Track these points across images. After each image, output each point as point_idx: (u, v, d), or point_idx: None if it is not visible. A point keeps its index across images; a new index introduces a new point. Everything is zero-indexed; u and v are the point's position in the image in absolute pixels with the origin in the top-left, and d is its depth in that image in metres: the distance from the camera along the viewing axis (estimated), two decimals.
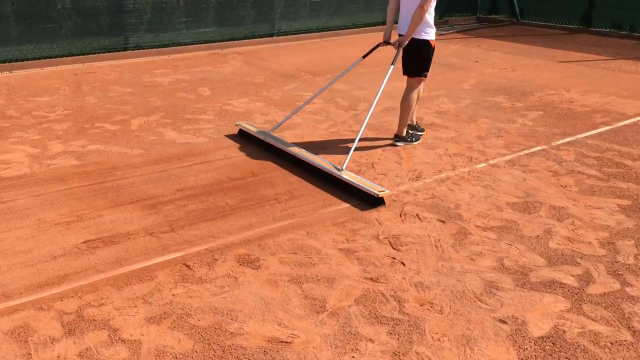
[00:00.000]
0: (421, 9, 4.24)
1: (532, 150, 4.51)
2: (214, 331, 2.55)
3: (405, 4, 4.41)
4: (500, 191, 3.79)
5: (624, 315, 2.66)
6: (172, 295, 2.79)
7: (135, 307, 2.70)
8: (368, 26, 9.96)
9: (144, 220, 3.48)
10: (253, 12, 8.82)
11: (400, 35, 4.47)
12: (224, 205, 3.65)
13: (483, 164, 4.23)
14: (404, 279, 2.92)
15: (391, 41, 4.49)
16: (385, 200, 3.68)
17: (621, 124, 5.15)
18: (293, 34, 9.22)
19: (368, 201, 3.68)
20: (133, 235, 3.31)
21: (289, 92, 6.22)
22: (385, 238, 3.28)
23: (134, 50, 7.94)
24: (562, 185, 3.87)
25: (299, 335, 2.52)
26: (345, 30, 9.67)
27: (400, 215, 3.51)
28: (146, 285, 2.86)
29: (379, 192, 3.65)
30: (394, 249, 3.18)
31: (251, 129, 4.76)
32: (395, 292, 2.82)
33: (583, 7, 9.99)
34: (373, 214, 3.53)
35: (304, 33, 9.31)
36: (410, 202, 3.66)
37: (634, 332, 2.55)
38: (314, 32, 9.41)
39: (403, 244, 3.22)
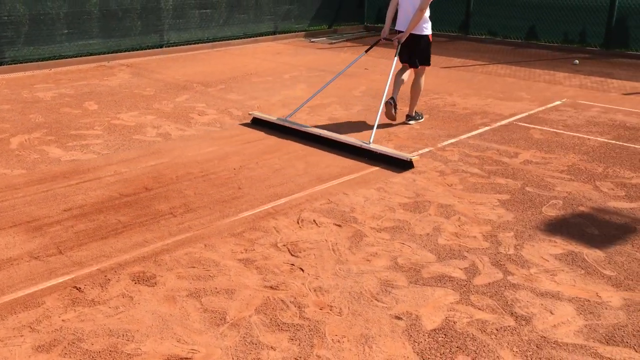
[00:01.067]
0: (421, 11, 5.02)
1: (420, 152, 4.73)
2: (109, 354, 2.45)
3: (404, 6, 5.16)
4: (392, 193, 3.94)
5: (506, 302, 2.86)
6: (62, 320, 2.64)
7: (22, 336, 2.53)
8: (259, 36, 9.99)
9: (28, 243, 3.28)
10: (140, 23, 8.59)
11: (399, 32, 5.20)
12: (115, 223, 3.52)
13: (375, 168, 4.38)
14: (303, 284, 2.96)
15: (391, 38, 5.23)
16: (414, 164, 4.42)
17: (498, 124, 5.52)
18: (183, 45, 9.07)
19: (399, 166, 4.44)
20: (16, 261, 3.10)
21: (181, 103, 6.12)
22: (284, 245, 3.31)
23: (10, 64, 7.48)
24: (448, 184, 4.09)
25: (199, 350, 2.48)
26: (237, 40, 9.64)
27: (298, 222, 3.55)
28: (33, 313, 2.69)
29: (410, 157, 4.45)
30: (292, 255, 3.21)
31: (266, 116, 5.35)
32: (295, 298, 2.85)
33: (461, 16, 10.65)
34: (271, 222, 3.55)
35: (194, 44, 9.18)
36: (308, 209, 3.72)
37: (517, 317, 2.75)
38: (205, 42, 9.30)
39: (301, 250, 3.26)
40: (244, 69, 7.07)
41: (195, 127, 5.25)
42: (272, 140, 4.97)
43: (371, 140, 4.65)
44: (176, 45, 9.00)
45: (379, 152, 4.53)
